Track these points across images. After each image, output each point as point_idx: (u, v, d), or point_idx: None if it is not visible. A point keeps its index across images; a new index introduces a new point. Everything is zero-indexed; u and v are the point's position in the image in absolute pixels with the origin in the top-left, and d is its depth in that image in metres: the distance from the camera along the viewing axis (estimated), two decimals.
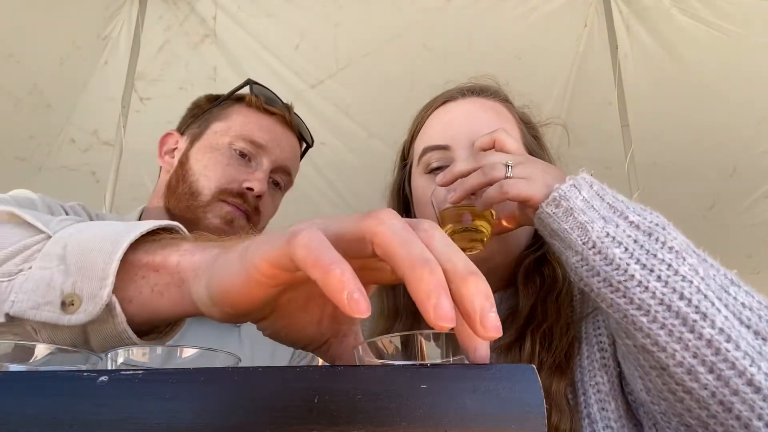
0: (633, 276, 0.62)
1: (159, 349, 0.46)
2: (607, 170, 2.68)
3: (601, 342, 0.80)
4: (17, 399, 0.32)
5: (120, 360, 0.44)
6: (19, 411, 0.32)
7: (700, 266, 0.63)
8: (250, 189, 1.06)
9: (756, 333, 0.60)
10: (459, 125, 0.92)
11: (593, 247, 0.64)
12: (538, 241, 0.92)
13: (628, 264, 0.62)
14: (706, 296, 0.60)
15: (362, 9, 2.34)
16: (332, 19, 2.36)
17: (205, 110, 1.17)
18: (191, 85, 2.53)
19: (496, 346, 0.84)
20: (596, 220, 0.66)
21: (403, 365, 0.34)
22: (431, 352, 0.39)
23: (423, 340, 0.39)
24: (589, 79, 2.48)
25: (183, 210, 1.07)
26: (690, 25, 2.30)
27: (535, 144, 0.97)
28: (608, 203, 0.68)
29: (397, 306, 0.93)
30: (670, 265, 0.62)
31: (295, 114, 1.19)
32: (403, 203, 1.02)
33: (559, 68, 2.48)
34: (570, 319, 0.85)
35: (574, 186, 0.69)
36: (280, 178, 1.15)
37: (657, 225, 0.66)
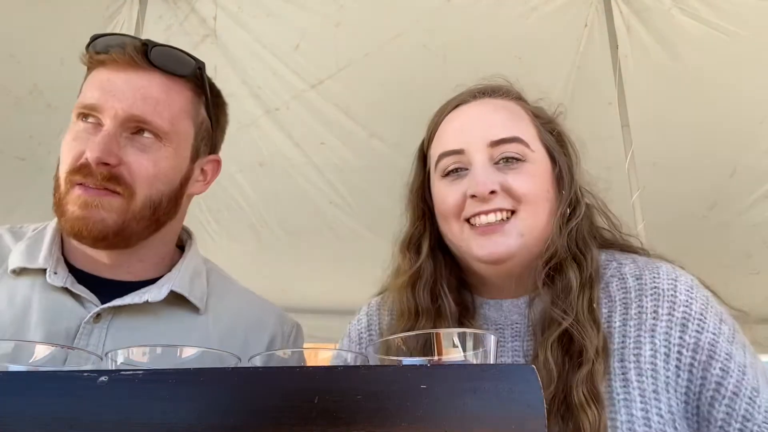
0: None
1: (159, 349, 0.46)
2: (607, 170, 2.68)
3: (659, 406, 0.80)
4: (17, 399, 0.32)
5: (120, 360, 0.44)
6: (19, 411, 0.32)
7: None
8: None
9: None
10: (472, 128, 0.93)
11: None
12: (548, 248, 0.91)
13: None
14: None
15: (362, 9, 2.34)
16: (332, 19, 2.36)
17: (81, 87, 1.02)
18: None
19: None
20: None
21: (403, 366, 0.34)
22: (446, 350, 0.39)
23: (437, 337, 0.40)
24: (589, 79, 2.48)
25: (55, 208, 0.96)
26: (690, 25, 2.30)
27: (553, 140, 0.97)
28: None
29: (418, 306, 0.93)
30: None
31: (160, 46, 0.99)
32: (428, 205, 1.02)
33: (559, 68, 2.48)
34: (597, 328, 0.84)
35: None
36: (147, 127, 0.96)
37: None
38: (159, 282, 1.00)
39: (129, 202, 0.94)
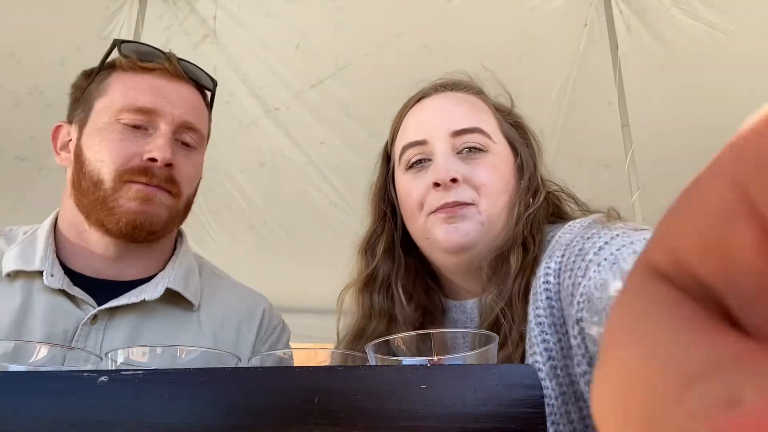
0: None
1: (159, 349, 0.46)
2: (607, 170, 2.69)
3: (548, 347, 0.71)
4: (17, 399, 0.32)
5: (120, 360, 0.44)
6: (19, 411, 0.32)
7: None
8: (153, 160, 0.95)
9: None
10: (435, 119, 0.94)
11: None
12: (504, 238, 0.87)
13: None
14: None
15: (362, 9, 2.34)
16: (332, 19, 2.36)
17: (85, 90, 1.05)
18: None
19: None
20: None
21: (403, 366, 0.34)
22: (444, 349, 0.39)
23: (436, 337, 0.40)
24: (589, 79, 2.48)
25: (92, 205, 0.97)
26: (690, 25, 2.30)
27: (514, 132, 0.97)
28: None
29: (371, 309, 0.94)
30: None
31: (183, 60, 1.06)
32: (389, 205, 1.03)
33: (559, 68, 2.48)
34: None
35: None
36: (189, 137, 1.03)
37: None
38: (154, 280, 1.02)
39: (177, 201, 1.01)
